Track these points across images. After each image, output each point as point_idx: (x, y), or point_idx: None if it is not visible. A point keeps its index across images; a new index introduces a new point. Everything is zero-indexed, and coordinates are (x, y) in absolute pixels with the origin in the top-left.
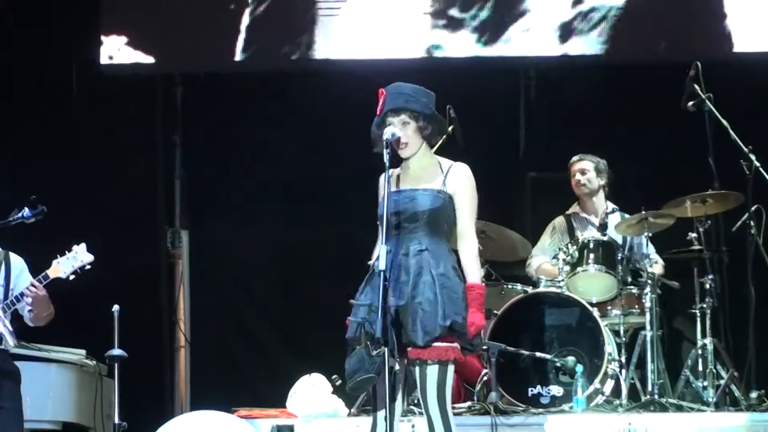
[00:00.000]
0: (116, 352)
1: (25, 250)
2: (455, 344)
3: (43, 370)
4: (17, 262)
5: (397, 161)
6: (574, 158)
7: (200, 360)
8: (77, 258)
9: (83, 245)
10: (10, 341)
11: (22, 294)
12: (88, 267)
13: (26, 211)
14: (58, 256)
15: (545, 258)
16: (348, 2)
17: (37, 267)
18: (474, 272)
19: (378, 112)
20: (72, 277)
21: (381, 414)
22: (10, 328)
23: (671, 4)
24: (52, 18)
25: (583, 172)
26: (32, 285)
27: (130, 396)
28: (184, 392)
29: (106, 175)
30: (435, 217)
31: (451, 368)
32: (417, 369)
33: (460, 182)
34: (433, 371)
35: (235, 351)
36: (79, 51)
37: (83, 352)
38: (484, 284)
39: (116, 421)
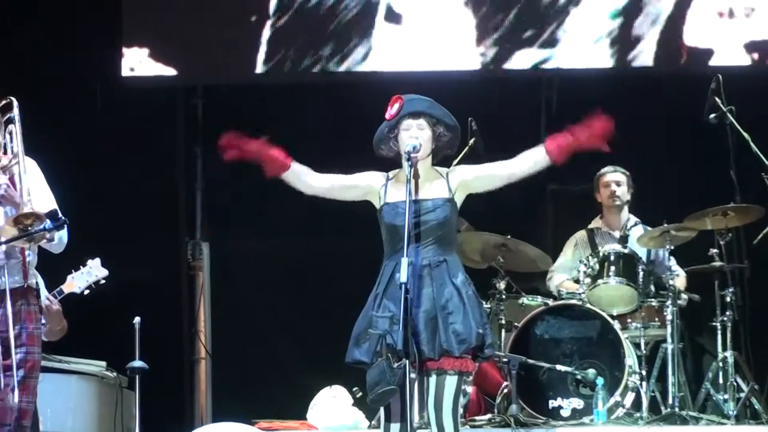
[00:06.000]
0: (137, 363)
1: (46, 261)
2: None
3: (63, 381)
4: None
5: (395, 165)
6: (608, 169)
7: (221, 372)
8: (92, 273)
9: (98, 260)
10: None
11: None
12: (103, 282)
13: (48, 223)
14: (73, 271)
15: (565, 275)
16: (369, 16)
17: (57, 279)
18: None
19: (389, 116)
20: (86, 292)
21: (395, 427)
22: None
23: (691, 16)
24: (75, 30)
25: (619, 183)
26: (47, 299)
27: (151, 408)
28: (205, 404)
29: (127, 187)
30: (447, 227)
31: (462, 380)
32: (434, 378)
33: (460, 172)
34: (452, 381)
35: (255, 363)
36: (101, 63)
37: (104, 363)
38: None
39: None
